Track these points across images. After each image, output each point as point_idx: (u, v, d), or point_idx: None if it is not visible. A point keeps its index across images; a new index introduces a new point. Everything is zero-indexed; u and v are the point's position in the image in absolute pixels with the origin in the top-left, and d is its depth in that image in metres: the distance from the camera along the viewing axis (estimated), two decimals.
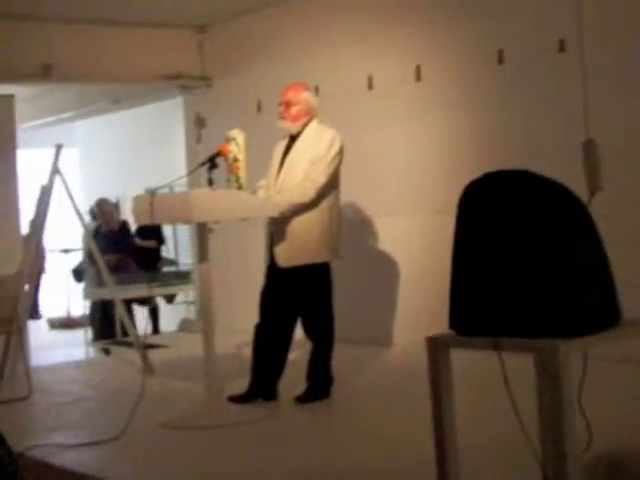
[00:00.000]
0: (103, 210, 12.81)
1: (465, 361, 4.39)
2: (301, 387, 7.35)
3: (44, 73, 11.17)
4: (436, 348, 3.90)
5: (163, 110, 14.51)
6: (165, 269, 13.97)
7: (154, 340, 11.53)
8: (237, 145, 7.00)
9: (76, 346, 12.08)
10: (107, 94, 13.93)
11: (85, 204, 14.43)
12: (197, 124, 12.32)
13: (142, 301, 11.87)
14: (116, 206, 13.71)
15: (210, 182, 6.97)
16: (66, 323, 15.20)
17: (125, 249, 12.63)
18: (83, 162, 18.15)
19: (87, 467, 5.81)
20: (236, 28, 11.76)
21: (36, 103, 14.55)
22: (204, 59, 12.26)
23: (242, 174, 6.99)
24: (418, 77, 9.77)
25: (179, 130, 13.20)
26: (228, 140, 7.06)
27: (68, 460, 6.03)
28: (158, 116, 15.07)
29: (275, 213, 7.08)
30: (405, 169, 9.97)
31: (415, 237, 9.73)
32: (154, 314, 13.52)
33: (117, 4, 10.68)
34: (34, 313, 15.37)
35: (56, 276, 16.38)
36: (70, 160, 17.24)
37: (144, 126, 15.81)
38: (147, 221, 7.09)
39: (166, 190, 7.46)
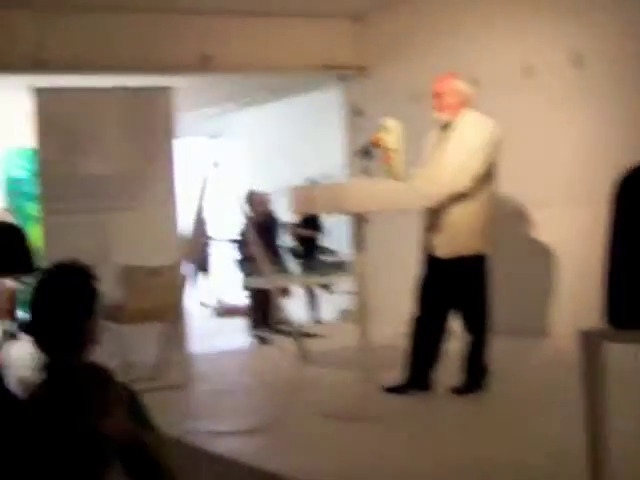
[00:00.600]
0: (253, 201, 12.85)
1: (616, 354, 4.24)
2: (456, 378, 7.25)
3: (203, 65, 11.36)
4: (589, 342, 3.78)
5: (321, 100, 14.56)
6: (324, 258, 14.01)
7: (314, 329, 11.60)
8: (391, 135, 6.95)
9: (238, 334, 12.24)
10: (266, 85, 14.07)
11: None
12: (354, 114, 12.30)
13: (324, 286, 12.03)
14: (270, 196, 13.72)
15: (365, 172, 6.94)
16: (231, 311, 15.40)
17: (270, 241, 12.60)
18: (244, 152, 18.38)
19: (240, 454, 5.85)
20: (393, 17, 11.71)
21: (196, 94, 14.80)
22: (361, 49, 12.24)
23: (396, 163, 6.94)
24: (577, 64, 9.51)
25: (337, 120, 13.22)
26: (382, 130, 7.02)
27: (222, 447, 6.09)
28: (316, 106, 15.12)
29: (430, 203, 7.01)
30: (561, 159, 9.74)
31: (571, 227, 9.51)
32: (314, 303, 13.62)
33: None
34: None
35: (223, 265, 16.63)
36: (231, 150, 17.48)
37: (302, 116, 15.89)
38: (304, 211, 7.14)
39: (326, 180, 7.46)
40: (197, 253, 12.67)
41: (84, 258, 8.96)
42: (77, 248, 9.84)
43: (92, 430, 2.85)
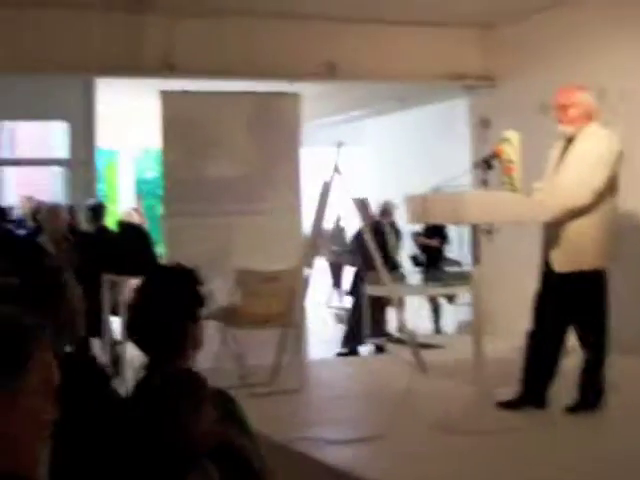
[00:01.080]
0: (364, 208, 12.62)
1: None
2: (572, 396, 7.10)
3: (329, 72, 11.39)
4: None
5: (448, 110, 14.48)
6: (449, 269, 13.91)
7: (433, 340, 11.53)
8: (511, 146, 6.86)
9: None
10: (393, 93, 14.06)
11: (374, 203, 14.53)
12: (481, 125, 12.19)
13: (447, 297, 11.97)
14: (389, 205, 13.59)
15: (484, 183, 6.88)
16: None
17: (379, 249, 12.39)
18: (371, 160, 18.40)
19: (346, 464, 5.84)
20: (522, 27, 11.55)
21: (324, 101, 14.88)
22: (488, 59, 12.11)
23: (516, 175, 6.84)
24: None
25: (464, 130, 13.11)
26: (503, 141, 6.94)
27: (328, 455, 6.09)
28: (443, 116, 15.06)
29: (549, 217, 6.89)
30: None
31: None
32: (436, 314, 13.55)
33: (401, 4, 10.72)
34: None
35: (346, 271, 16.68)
36: (359, 158, 17.54)
37: (429, 125, 15.85)
38: (420, 220, 7.12)
39: (448, 190, 7.41)
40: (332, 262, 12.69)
41: (204, 261, 9.12)
42: (198, 251, 10.00)
43: (180, 433, 2.87)
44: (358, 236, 12.05)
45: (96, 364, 4.20)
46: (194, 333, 3.41)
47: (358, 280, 12.11)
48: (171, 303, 3.38)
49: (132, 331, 3.48)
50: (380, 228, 12.79)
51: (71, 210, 11.39)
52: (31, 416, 1.93)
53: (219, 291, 8.99)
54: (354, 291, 12.27)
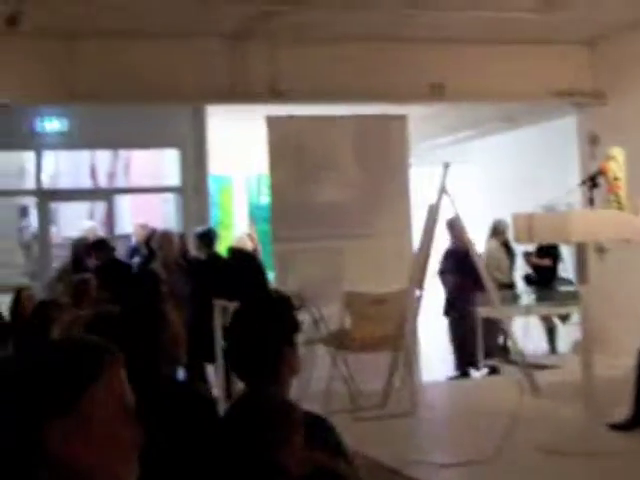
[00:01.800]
0: (453, 228, 12.29)
1: None
2: None
3: (435, 93, 11.39)
4: None
5: (556, 128, 14.30)
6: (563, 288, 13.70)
7: (547, 360, 11.38)
8: (617, 163, 6.77)
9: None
10: (499, 113, 13.96)
11: (483, 222, 14.41)
12: (590, 142, 12.01)
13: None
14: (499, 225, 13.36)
15: (591, 201, 6.80)
16: None
17: (467, 271, 12.11)
18: (480, 180, 18.28)
19: None
20: (631, 42, 11.36)
21: (431, 122, 14.85)
22: (597, 75, 11.95)
23: (622, 193, 6.75)
24: None
25: (571, 148, 12.94)
26: (609, 158, 6.86)
27: (440, 479, 6.08)
28: (551, 134, 14.87)
29: None
30: None
31: None
32: (551, 334, 13.35)
33: (506, 23, 10.65)
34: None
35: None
36: (468, 178, 17.42)
37: (537, 144, 15.66)
38: (525, 239, 7.04)
39: (562, 208, 7.36)
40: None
41: (314, 285, 9.19)
42: (308, 275, 10.05)
43: (271, 460, 2.91)
44: (449, 256, 11.96)
45: (200, 389, 4.28)
46: (290, 359, 3.43)
47: (454, 301, 11.95)
48: (267, 329, 3.41)
49: (229, 356, 3.52)
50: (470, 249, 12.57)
51: (182, 237, 11.58)
52: (109, 443, 1.92)
53: (330, 315, 9.05)
54: (449, 311, 12.12)
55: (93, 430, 1.91)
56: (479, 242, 10.82)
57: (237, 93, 10.82)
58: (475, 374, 11.53)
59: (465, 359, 11.63)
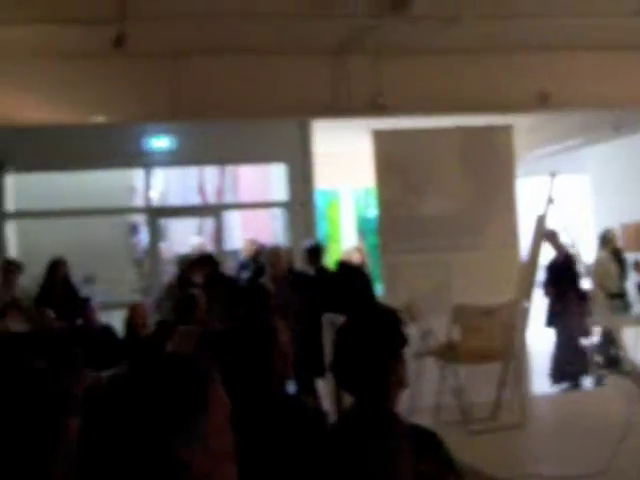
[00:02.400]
0: (552, 240, 12.01)
1: None
2: None
3: (542, 102, 11.28)
4: None
5: None
6: None
7: None
8: None
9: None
10: (607, 120, 13.75)
11: (594, 232, 14.21)
12: None
13: None
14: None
15: None
16: None
17: (568, 281, 11.85)
18: (594, 189, 18.01)
19: None
20: None
21: (538, 132, 14.70)
22: None
23: None
24: None
25: None
26: None
27: None
28: None
29: None
30: None
31: None
32: None
33: (611, 28, 10.48)
34: None
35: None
36: (578, 188, 17.21)
37: None
38: (636, 249, 6.92)
39: None
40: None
41: (423, 297, 9.17)
42: (416, 287, 10.04)
43: (380, 473, 2.92)
44: (551, 267, 11.80)
45: (310, 403, 4.31)
46: (399, 372, 3.42)
47: (557, 312, 11.77)
48: (375, 343, 3.41)
49: (337, 371, 3.53)
50: (571, 260, 12.36)
51: (289, 251, 11.66)
52: (221, 457, 2.00)
53: (438, 327, 9.03)
54: (553, 322, 11.93)
55: (210, 441, 1.98)
56: (589, 251, 10.64)
57: (340, 107, 10.89)
58: (585, 385, 11.36)
59: (570, 370, 11.47)
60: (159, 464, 1.95)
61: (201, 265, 11.46)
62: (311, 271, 10.75)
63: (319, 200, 15.18)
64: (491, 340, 8.82)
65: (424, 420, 6.55)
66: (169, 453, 1.95)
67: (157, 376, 2.03)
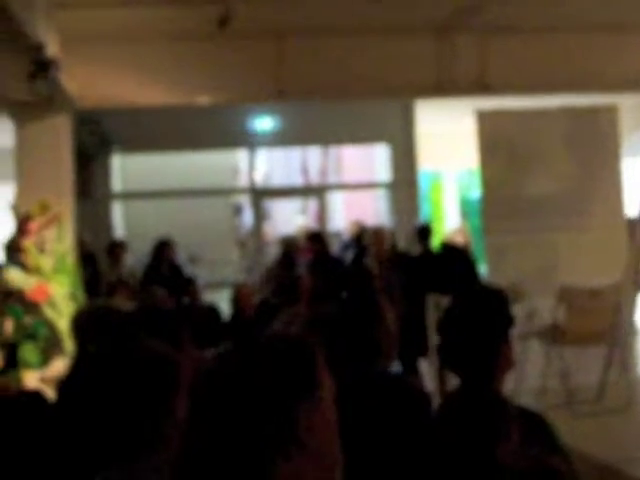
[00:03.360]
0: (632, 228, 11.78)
1: None
2: None
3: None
4: None
5: None
6: None
7: None
8: None
9: None
10: None
11: None
12: None
13: None
14: None
15: None
16: None
17: None
18: None
19: None
20: None
21: None
22: None
23: None
24: None
25: None
26: None
27: None
28: None
29: None
30: None
31: None
32: None
33: None
34: None
35: None
36: None
37: None
38: None
39: None
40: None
41: (528, 278, 9.08)
42: (521, 268, 9.95)
43: (489, 457, 2.90)
44: None
45: (414, 383, 4.30)
46: (505, 353, 3.40)
47: None
48: (482, 323, 3.40)
49: (443, 351, 3.52)
50: None
51: (392, 232, 11.63)
52: (330, 427, 2.03)
53: (543, 309, 8.93)
54: None
55: (323, 414, 2.02)
56: None
57: (445, 87, 10.81)
58: None
59: None
60: (270, 437, 1.97)
61: (312, 241, 11.55)
62: (416, 251, 10.72)
63: (422, 181, 15.11)
64: (597, 322, 8.69)
65: (528, 402, 6.50)
66: (279, 425, 1.97)
67: (266, 355, 2.06)
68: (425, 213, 15.09)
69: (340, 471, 2.09)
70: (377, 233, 10.81)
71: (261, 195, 15.00)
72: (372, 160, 16.35)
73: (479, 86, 10.70)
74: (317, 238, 11.72)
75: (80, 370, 2.49)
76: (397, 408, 3.65)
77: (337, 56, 10.70)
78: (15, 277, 8.92)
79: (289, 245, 12.02)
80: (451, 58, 10.66)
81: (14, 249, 9.71)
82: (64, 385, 2.84)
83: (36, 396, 6.63)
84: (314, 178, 17.20)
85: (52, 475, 3.36)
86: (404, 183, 14.50)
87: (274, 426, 1.97)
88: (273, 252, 13.61)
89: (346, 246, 13.05)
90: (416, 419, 3.61)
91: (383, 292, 8.33)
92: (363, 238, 11.48)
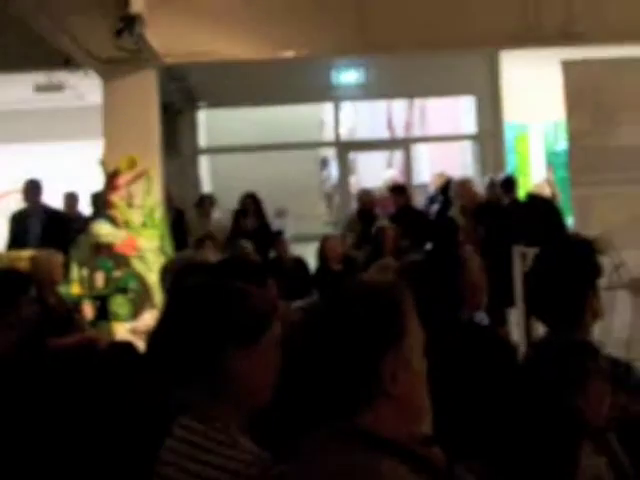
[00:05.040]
0: None
1: None
2: None
3: None
4: None
5: None
6: None
7: None
8: None
9: None
10: None
11: None
12: None
13: None
14: None
15: None
16: None
17: None
18: None
19: None
20: None
21: None
22: None
23: None
24: None
25: None
26: None
27: None
28: None
29: None
30: None
31: None
32: None
33: None
34: None
35: None
36: None
37: None
38: None
39: None
40: None
41: (614, 229, 8.97)
42: (607, 219, 9.84)
43: (568, 408, 2.91)
44: None
45: (500, 334, 4.32)
46: (592, 303, 3.40)
47: None
48: (570, 273, 3.40)
49: (531, 300, 3.53)
50: None
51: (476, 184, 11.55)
52: (417, 379, 2.09)
53: (631, 261, 8.84)
54: None
55: (412, 364, 2.08)
56: None
57: (530, 37, 10.64)
58: None
59: None
60: (359, 380, 2.01)
61: (395, 194, 11.55)
62: (503, 202, 10.66)
63: (508, 134, 14.96)
64: None
65: (616, 354, 6.45)
66: (368, 371, 2.01)
67: (351, 304, 2.09)
68: (511, 166, 14.95)
69: (428, 420, 2.12)
70: (463, 185, 10.76)
71: (347, 148, 15.01)
72: (457, 112, 16.23)
73: (565, 35, 10.50)
74: (400, 190, 11.71)
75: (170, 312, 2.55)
76: (482, 357, 3.68)
77: (421, 8, 10.59)
78: (105, 231, 9.10)
79: (365, 198, 12.02)
80: (536, 7, 10.48)
81: (103, 204, 9.90)
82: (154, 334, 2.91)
83: (127, 347, 6.80)
84: (399, 131, 17.14)
85: (142, 424, 3.45)
86: (489, 135, 14.39)
87: (360, 376, 2.01)
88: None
89: (431, 199, 13.02)
90: (501, 368, 3.63)
91: (469, 244, 8.32)
92: (449, 190, 11.44)
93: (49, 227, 10.84)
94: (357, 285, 2.27)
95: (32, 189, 10.99)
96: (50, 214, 11.13)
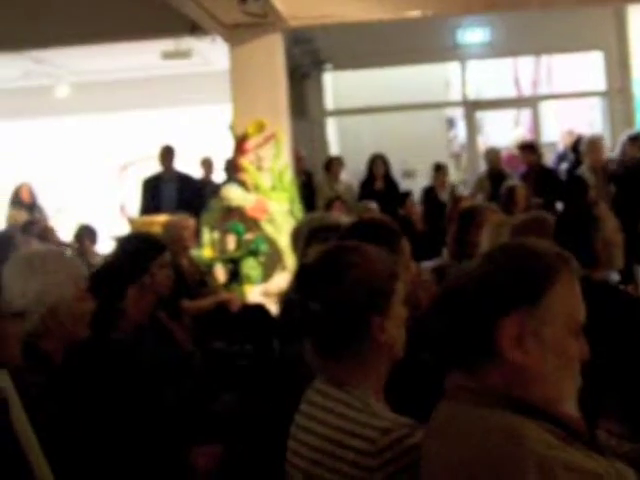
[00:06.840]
0: None
1: None
2: None
3: None
4: None
5: None
6: None
7: None
8: None
9: None
10: None
11: None
12: None
13: None
14: None
15: None
16: None
17: None
18: None
19: None
20: None
21: None
22: None
23: None
24: None
25: None
26: None
27: None
28: None
29: None
30: None
31: None
32: None
33: None
34: None
35: None
36: None
37: None
38: None
39: None
40: None
41: None
42: None
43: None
44: None
45: (631, 293, 4.28)
46: None
47: None
48: None
49: None
50: None
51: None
52: (555, 351, 2.00)
53: None
54: None
55: (544, 334, 2.00)
56: None
57: None
58: None
59: None
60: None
61: (525, 152, 11.44)
62: (633, 160, 10.45)
63: (637, 90, 14.63)
64: None
65: None
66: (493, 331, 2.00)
67: (490, 261, 2.09)
68: None
69: (567, 396, 2.05)
70: (593, 143, 10.58)
71: (473, 107, 14.90)
72: (585, 69, 15.91)
73: None
74: (531, 149, 11.57)
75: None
76: (615, 317, 3.66)
77: None
78: (235, 195, 9.24)
79: (494, 157, 11.92)
80: None
81: (233, 168, 10.06)
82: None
83: (259, 309, 6.92)
84: (526, 89, 16.89)
85: (278, 387, 3.53)
86: (618, 92, 14.09)
87: (477, 331, 2.00)
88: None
89: (561, 157, 12.84)
90: (633, 327, 3.62)
91: (601, 201, 8.20)
92: (578, 148, 11.27)
93: (183, 192, 11.08)
94: (504, 245, 2.28)
95: (167, 154, 11.24)
96: (184, 179, 11.38)
